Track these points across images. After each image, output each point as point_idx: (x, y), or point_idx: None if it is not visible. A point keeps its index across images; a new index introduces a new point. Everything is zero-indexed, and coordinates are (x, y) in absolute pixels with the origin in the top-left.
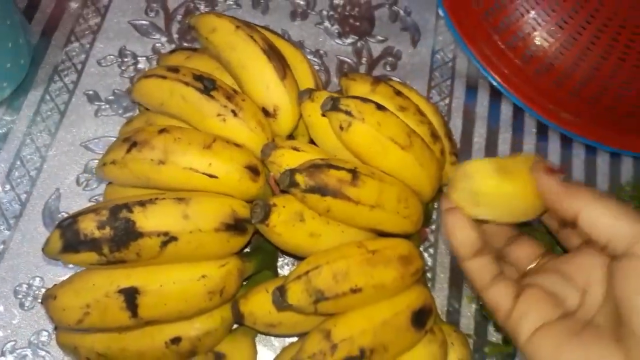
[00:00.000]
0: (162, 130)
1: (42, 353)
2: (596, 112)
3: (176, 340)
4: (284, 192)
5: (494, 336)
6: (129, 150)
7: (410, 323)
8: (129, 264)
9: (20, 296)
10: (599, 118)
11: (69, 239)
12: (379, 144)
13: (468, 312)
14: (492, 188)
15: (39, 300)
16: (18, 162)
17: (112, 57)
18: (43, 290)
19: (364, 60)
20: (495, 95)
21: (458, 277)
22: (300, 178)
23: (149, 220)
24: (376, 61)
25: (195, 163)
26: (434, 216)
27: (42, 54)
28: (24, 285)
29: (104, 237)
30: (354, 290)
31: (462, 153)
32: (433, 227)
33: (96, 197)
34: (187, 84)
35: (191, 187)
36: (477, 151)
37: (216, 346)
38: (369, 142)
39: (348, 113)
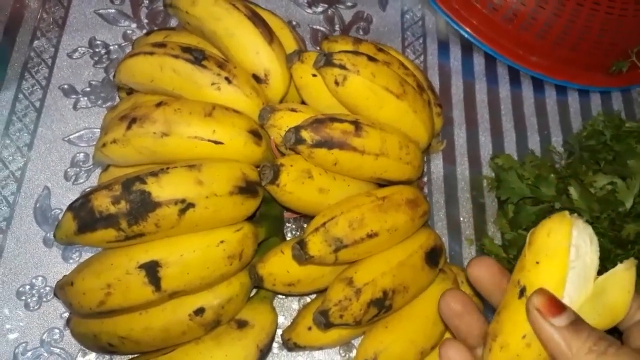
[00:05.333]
0: (159, 104)
1: (57, 350)
2: (562, 53)
3: (200, 311)
4: (283, 154)
5: None
6: (129, 127)
7: (424, 262)
8: (147, 237)
9: (24, 297)
10: (565, 58)
11: (83, 218)
12: (375, 94)
13: (469, 254)
14: None
15: (44, 299)
16: (0, 165)
17: (82, 48)
18: (47, 288)
19: (337, 27)
20: (467, 49)
21: (455, 224)
22: (306, 134)
23: (164, 189)
24: (349, 27)
25: (199, 131)
26: (425, 168)
27: (8, 52)
28: (27, 286)
29: (121, 211)
30: (371, 235)
31: (443, 107)
32: (425, 179)
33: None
34: (176, 56)
35: (197, 156)
36: (457, 103)
37: (237, 314)
38: (366, 94)
39: (342, 67)
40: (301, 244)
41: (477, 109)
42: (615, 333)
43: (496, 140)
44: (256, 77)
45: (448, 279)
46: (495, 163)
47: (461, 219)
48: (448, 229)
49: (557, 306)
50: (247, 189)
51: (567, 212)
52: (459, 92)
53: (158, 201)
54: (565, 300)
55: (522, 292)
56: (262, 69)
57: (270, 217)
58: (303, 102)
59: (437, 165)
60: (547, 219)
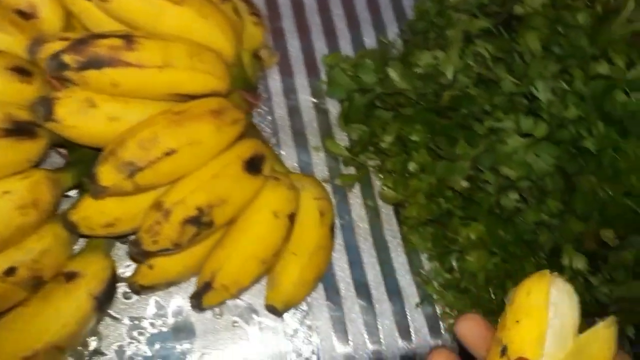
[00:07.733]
0: None
1: None
2: None
3: (11, 271)
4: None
5: (345, 171)
6: None
7: (243, 171)
8: None
9: None
10: None
11: None
12: (148, 3)
13: (318, 161)
14: None
15: None
16: None
17: None
18: None
19: None
20: None
21: (301, 135)
22: (68, 58)
23: None
24: None
25: None
26: (262, 85)
27: None
28: None
29: None
30: (169, 153)
31: (262, 16)
32: (265, 95)
33: None
34: None
35: None
36: (285, 12)
37: (63, 267)
38: (136, 5)
39: None
40: (92, 176)
41: (307, 14)
42: None
43: (331, 43)
44: (22, 13)
45: (283, 184)
46: (326, 64)
47: (306, 127)
48: (294, 141)
49: None
50: (17, 130)
51: (547, 271)
52: (286, 0)
53: None
54: (545, 359)
55: (504, 351)
56: (26, 3)
57: (82, 163)
58: None
59: (275, 79)
60: (527, 278)
